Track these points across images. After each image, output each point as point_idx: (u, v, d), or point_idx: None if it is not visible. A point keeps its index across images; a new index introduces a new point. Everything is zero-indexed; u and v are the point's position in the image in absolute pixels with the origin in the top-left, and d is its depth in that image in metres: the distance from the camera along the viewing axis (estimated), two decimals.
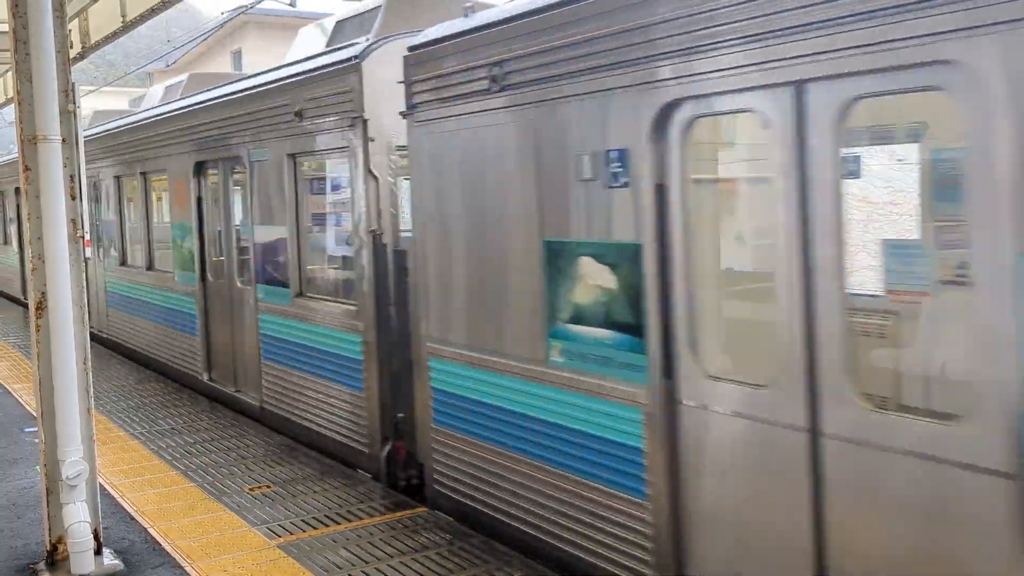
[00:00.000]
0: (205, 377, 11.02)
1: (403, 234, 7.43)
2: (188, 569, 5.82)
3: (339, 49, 8.25)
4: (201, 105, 10.57)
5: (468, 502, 6.32)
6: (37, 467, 7.01)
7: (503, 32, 5.70)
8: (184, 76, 13.97)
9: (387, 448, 7.47)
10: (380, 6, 8.32)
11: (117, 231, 14.07)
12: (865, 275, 4.05)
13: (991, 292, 3.41)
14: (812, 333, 4.04)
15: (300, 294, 8.69)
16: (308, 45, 9.60)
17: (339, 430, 8.06)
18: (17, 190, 19.21)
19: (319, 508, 6.92)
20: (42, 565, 5.86)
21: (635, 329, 4.89)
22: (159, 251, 12.60)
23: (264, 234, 9.26)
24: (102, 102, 26.62)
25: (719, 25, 4.29)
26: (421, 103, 6.50)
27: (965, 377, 3.63)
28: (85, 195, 5.75)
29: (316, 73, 8.08)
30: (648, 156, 4.73)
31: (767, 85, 4.12)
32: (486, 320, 6.04)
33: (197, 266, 10.94)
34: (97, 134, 14.61)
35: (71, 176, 5.65)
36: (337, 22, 9.22)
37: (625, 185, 4.88)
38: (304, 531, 6.44)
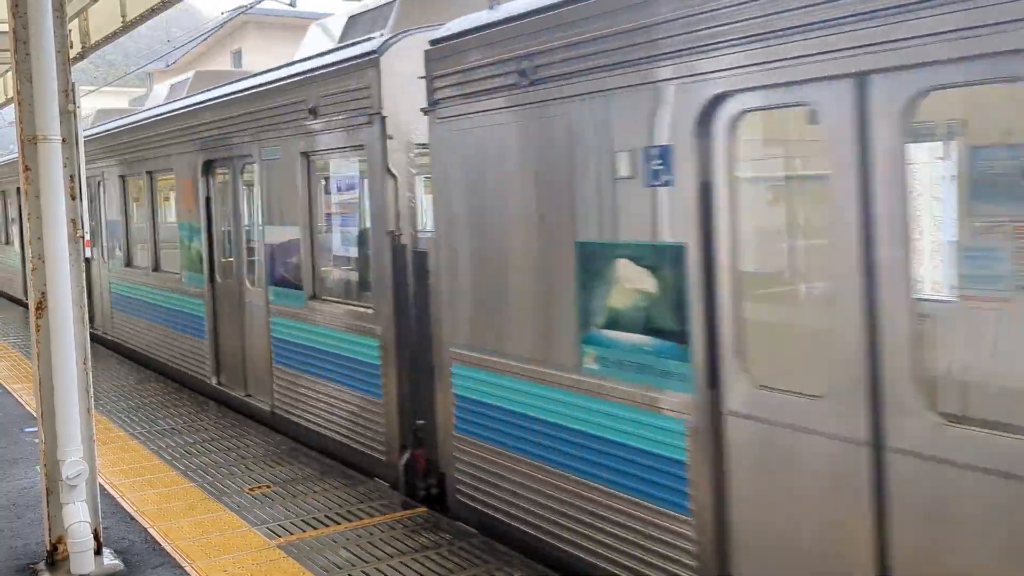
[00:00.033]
0: (214, 381, 10.77)
1: (421, 235, 7.19)
2: (188, 569, 5.79)
3: (352, 45, 8.02)
4: (212, 102, 10.31)
5: (494, 514, 6.07)
6: (37, 467, 6.97)
7: (533, 24, 5.46)
8: (190, 74, 13.73)
9: (406, 456, 7.22)
10: (395, 0, 8.09)
11: (122, 231, 13.82)
12: (935, 278, 3.81)
13: None
14: (875, 340, 3.80)
15: (314, 296, 8.45)
16: (319, 41, 9.37)
17: (355, 437, 7.81)
18: (18, 190, 18.99)
19: (319, 508, 6.88)
20: (42, 565, 5.83)
21: (678, 335, 4.64)
22: (165, 252, 12.36)
23: (276, 235, 9.01)
24: (102, 102, 26.38)
25: (771, 15, 4.05)
26: (443, 99, 6.26)
27: None
28: (85, 195, 5.75)
29: (331, 69, 7.82)
30: (693, 153, 4.49)
31: (825, 77, 3.87)
32: (512, 324, 5.80)
33: (206, 267, 10.69)
34: (100, 133, 14.37)
35: (71, 176, 5.65)
36: (350, 17, 8.98)
37: (667, 183, 4.64)
38: (304, 531, 6.41)
